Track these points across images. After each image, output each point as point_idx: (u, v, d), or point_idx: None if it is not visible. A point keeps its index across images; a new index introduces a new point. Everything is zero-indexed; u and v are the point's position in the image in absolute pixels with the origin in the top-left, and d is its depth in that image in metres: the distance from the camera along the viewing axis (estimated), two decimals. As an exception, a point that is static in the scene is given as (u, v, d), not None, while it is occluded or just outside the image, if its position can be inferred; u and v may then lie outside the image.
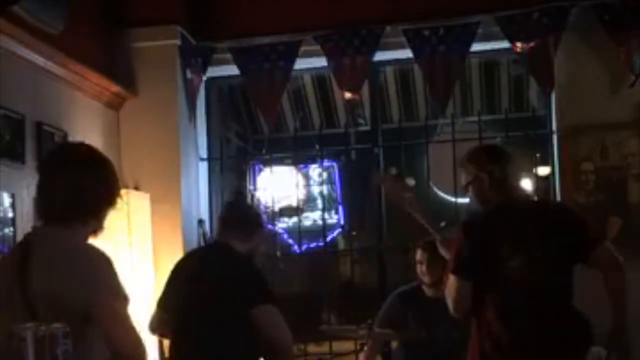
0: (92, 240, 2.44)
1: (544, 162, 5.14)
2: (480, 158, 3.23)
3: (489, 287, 3.04)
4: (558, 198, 4.74)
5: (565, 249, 3.04)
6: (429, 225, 3.41)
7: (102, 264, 2.30)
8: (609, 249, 3.08)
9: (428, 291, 4.17)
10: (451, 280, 3.11)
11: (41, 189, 2.35)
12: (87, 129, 4.55)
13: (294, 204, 6.27)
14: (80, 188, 2.30)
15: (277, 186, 5.42)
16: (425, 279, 4.14)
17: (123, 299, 2.27)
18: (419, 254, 4.14)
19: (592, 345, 3.15)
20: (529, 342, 2.99)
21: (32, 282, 2.19)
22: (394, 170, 3.50)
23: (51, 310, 2.12)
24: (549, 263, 3.01)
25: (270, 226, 5.94)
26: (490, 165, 3.17)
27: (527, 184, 6.00)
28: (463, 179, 3.28)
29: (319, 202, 7.21)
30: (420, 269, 4.14)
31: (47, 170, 2.37)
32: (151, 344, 4.39)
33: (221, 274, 3.25)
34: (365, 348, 4.19)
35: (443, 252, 3.40)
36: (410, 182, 3.44)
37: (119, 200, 2.42)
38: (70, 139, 4.27)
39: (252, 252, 3.41)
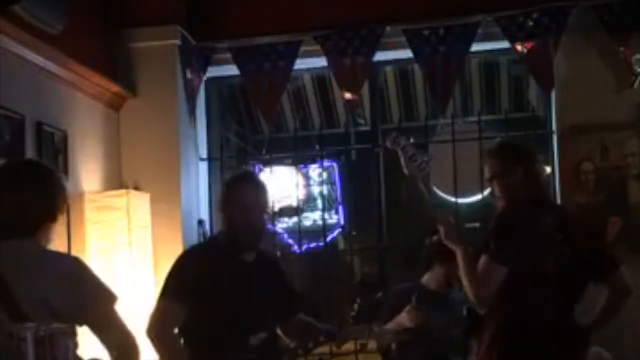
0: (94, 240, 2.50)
1: (544, 162, 5.13)
2: (515, 151, 3.20)
3: (518, 280, 2.99)
4: (558, 198, 4.74)
5: (583, 260, 3.03)
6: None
7: (85, 270, 2.42)
8: (625, 275, 3.08)
9: (433, 284, 4.16)
10: (483, 264, 3.00)
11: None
12: (87, 129, 4.55)
13: (294, 204, 6.24)
14: (35, 204, 2.41)
15: (277, 186, 5.41)
16: None
17: (113, 300, 2.40)
18: None
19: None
20: (550, 341, 2.98)
21: (15, 289, 2.22)
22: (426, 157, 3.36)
23: (42, 314, 2.17)
24: (574, 265, 3.01)
25: (270, 226, 5.93)
26: (525, 160, 3.14)
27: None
28: (488, 171, 3.22)
29: (319, 202, 7.19)
30: None
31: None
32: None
33: None
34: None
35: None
36: (422, 157, 3.33)
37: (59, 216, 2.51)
38: (70, 139, 4.28)
39: (239, 227, 2.97)
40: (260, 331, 2.94)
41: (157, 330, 2.88)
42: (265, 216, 3.13)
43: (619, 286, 3.06)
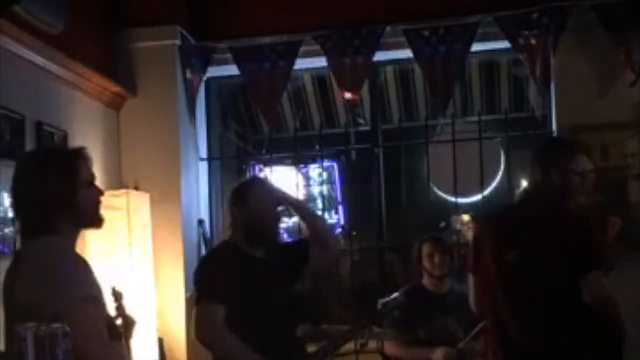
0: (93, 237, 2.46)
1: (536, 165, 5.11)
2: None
3: (489, 282, 3.06)
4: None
5: (566, 260, 2.99)
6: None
7: (63, 269, 2.23)
8: (600, 283, 2.91)
9: (431, 285, 4.20)
10: (470, 278, 3.23)
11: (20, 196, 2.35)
12: (87, 129, 4.55)
13: (294, 204, 6.25)
14: (37, 195, 2.27)
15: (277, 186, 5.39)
16: (436, 272, 4.18)
17: (84, 304, 2.19)
18: (428, 248, 4.19)
19: (622, 346, 3.03)
20: (531, 337, 2.97)
21: (15, 294, 2.21)
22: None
23: (21, 318, 2.03)
24: (543, 263, 2.98)
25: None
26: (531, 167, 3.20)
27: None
28: None
29: (319, 202, 7.20)
30: (431, 261, 4.17)
31: (25, 179, 2.34)
32: (151, 343, 4.40)
33: None
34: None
35: None
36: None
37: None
38: (70, 139, 4.28)
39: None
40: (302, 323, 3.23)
41: (209, 332, 3.02)
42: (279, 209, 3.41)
43: (593, 292, 2.90)
